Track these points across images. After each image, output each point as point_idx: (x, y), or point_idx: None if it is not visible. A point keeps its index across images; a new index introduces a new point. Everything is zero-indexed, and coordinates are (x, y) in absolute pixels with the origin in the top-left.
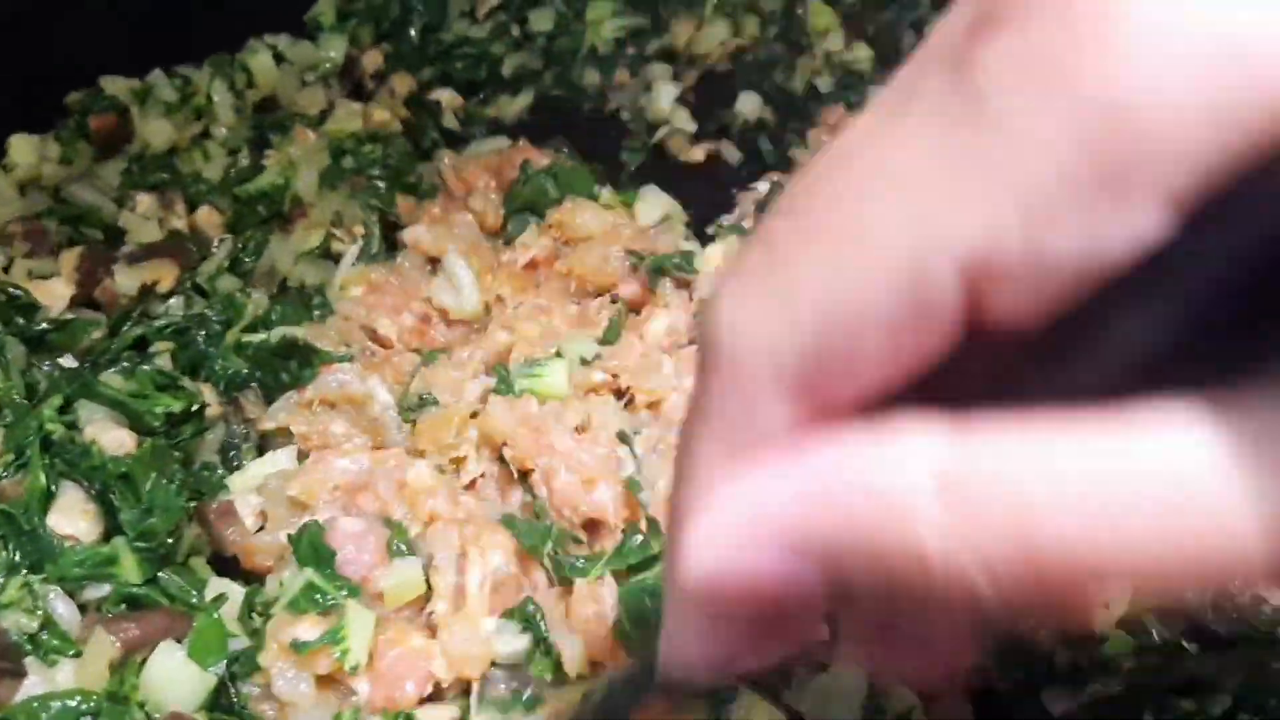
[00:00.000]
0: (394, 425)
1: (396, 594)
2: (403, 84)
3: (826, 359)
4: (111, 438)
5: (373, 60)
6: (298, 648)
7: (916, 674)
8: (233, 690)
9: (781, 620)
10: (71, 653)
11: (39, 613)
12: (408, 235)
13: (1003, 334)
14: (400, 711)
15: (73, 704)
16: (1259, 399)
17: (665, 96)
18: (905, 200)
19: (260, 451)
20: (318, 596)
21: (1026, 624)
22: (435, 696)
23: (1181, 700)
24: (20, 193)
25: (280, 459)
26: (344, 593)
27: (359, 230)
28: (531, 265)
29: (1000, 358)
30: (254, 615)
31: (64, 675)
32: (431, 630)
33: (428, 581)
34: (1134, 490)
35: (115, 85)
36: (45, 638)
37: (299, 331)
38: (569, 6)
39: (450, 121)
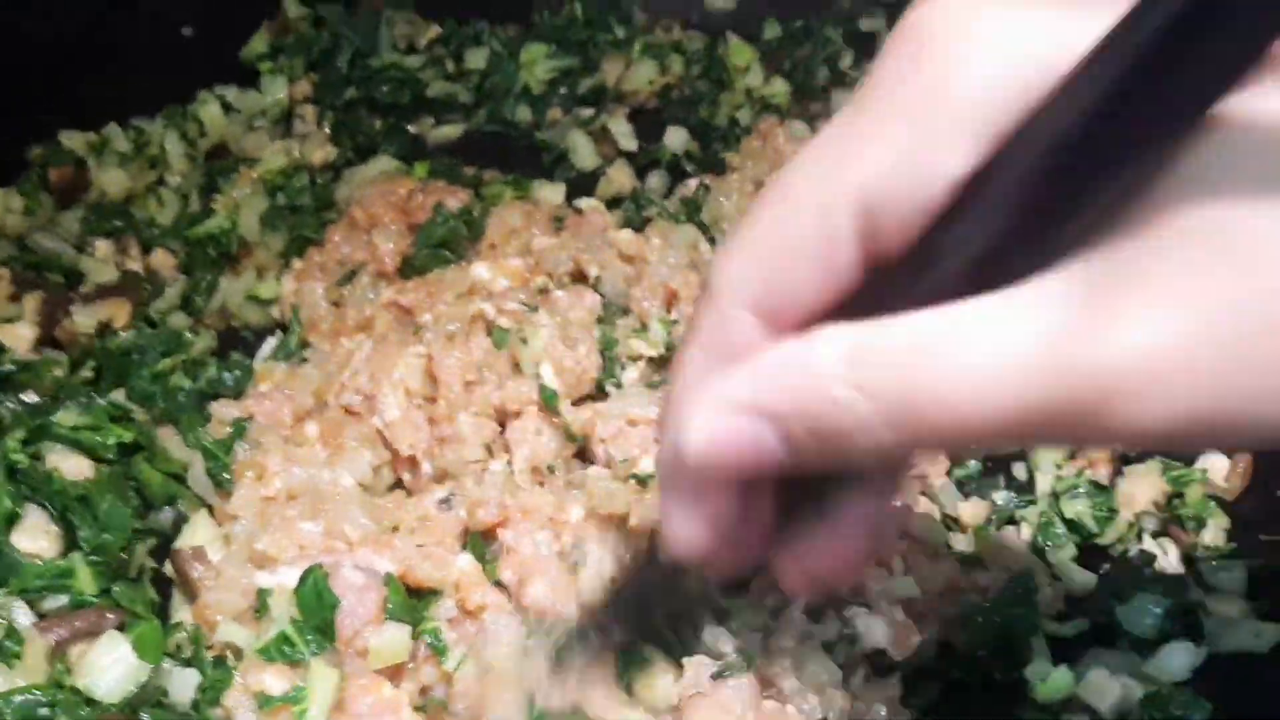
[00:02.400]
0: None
1: (380, 654)
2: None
3: (774, 286)
4: (71, 465)
5: (301, 90)
6: (262, 701)
7: (836, 567)
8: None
9: (751, 496)
10: None
11: (2, 622)
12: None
13: (885, 257)
14: None
15: (32, 697)
16: (1048, 286)
17: (584, 151)
18: (814, 165)
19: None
20: (287, 649)
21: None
22: None
23: None
24: None
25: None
26: (313, 649)
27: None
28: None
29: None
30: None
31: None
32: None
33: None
34: (960, 355)
35: (73, 139)
36: (6, 644)
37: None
38: (504, 47)
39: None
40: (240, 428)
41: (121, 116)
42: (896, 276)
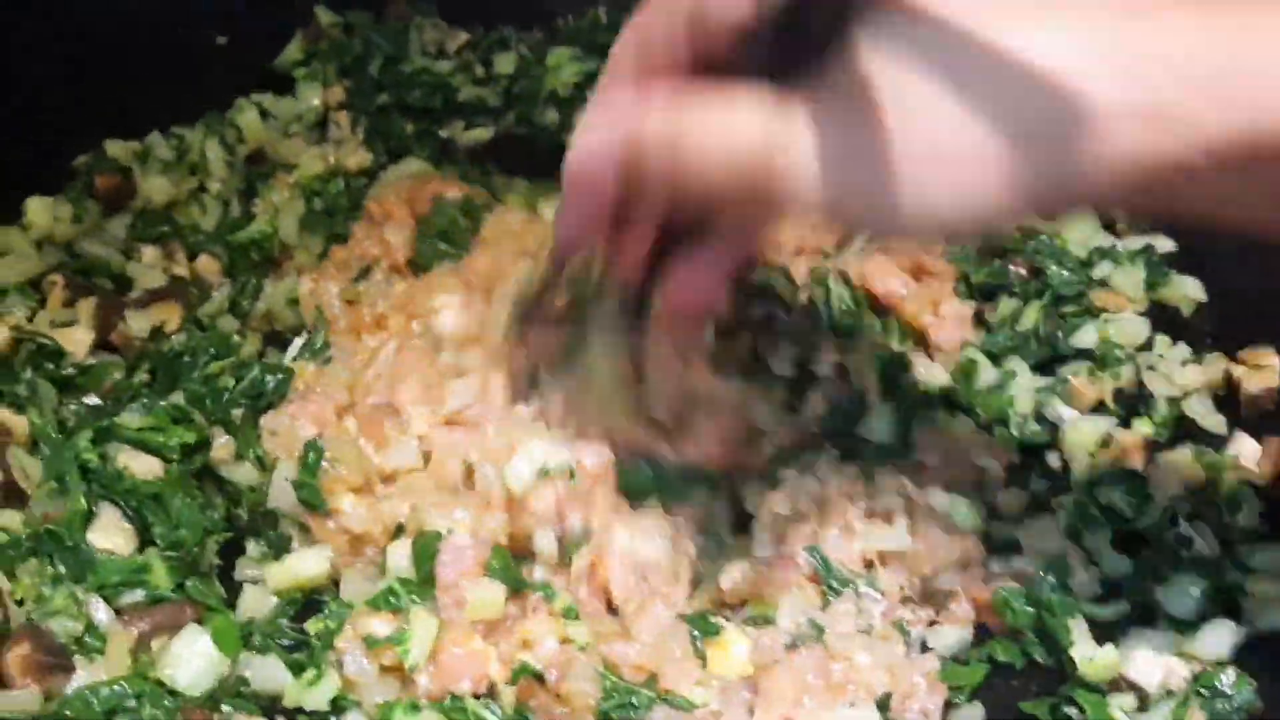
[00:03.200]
0: None
1: (476, 607)
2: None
3: (646, 54)
4: (141, 464)
5: (335, 96)
6: (369, 641)
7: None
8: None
9: (609, 204)
10: None
11: (82, 618)
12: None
13: (713, 50)
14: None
15: (118, 690)
16: (761, 96)
17: None
18: None
19: None
20: (392, 599)
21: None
22: (490, 695)
23: None
24: (37, 249)
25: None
26: (414, 599)
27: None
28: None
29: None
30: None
31: (104, 670)
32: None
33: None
34: (705, 130)
35: (118, 148)
36: (88, 639)
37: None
38: (531, 51)
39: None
40: (317, 449)
41: (162, 125)
42: (717, 68)
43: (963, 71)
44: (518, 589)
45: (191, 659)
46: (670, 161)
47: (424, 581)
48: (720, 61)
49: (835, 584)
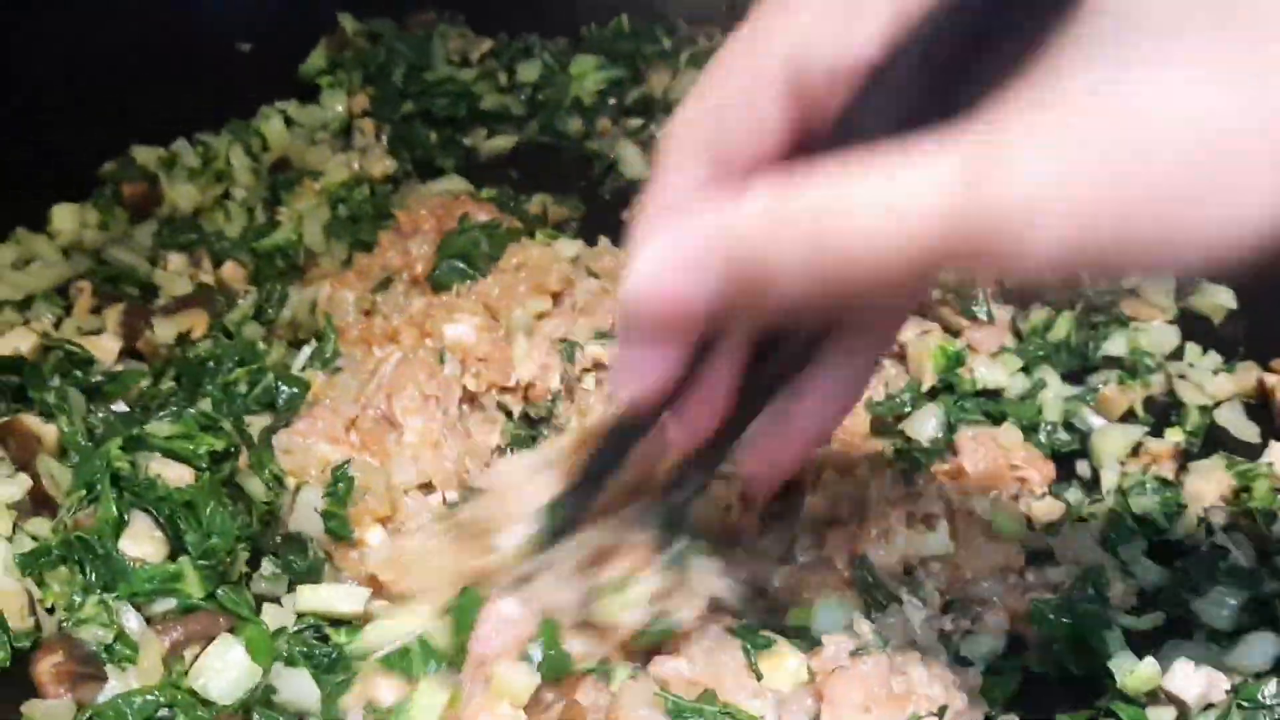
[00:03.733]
0: None
1: (501, 688)
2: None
3: (715, 138)
4: (172, 472)
5: (359, 104)
6: (370, 709)
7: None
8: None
9: (695, 338)
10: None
11: (113, 626)
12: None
13: (816, 119)
14: None
15: (152, 699)
16: (948, 138)
17: (634, 160)
18: (751, 33)
19: None
20: (404, 662)
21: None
22: None
23: None
24: (64, 256)
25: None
26: (431, 666)
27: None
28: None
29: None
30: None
31: (136, 678)
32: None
33: None
34: (866, 202)
35: (144, 154)
36: (118, 647)
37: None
38: (555, 60)
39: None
40: (347, 479)
41: (187, 132)
42: (828, 141)
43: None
44: (562, 674)
45: (225, 669)
46: (801, 256)
47: (455, 647)
48: (828, 127)
49: (880, 596)
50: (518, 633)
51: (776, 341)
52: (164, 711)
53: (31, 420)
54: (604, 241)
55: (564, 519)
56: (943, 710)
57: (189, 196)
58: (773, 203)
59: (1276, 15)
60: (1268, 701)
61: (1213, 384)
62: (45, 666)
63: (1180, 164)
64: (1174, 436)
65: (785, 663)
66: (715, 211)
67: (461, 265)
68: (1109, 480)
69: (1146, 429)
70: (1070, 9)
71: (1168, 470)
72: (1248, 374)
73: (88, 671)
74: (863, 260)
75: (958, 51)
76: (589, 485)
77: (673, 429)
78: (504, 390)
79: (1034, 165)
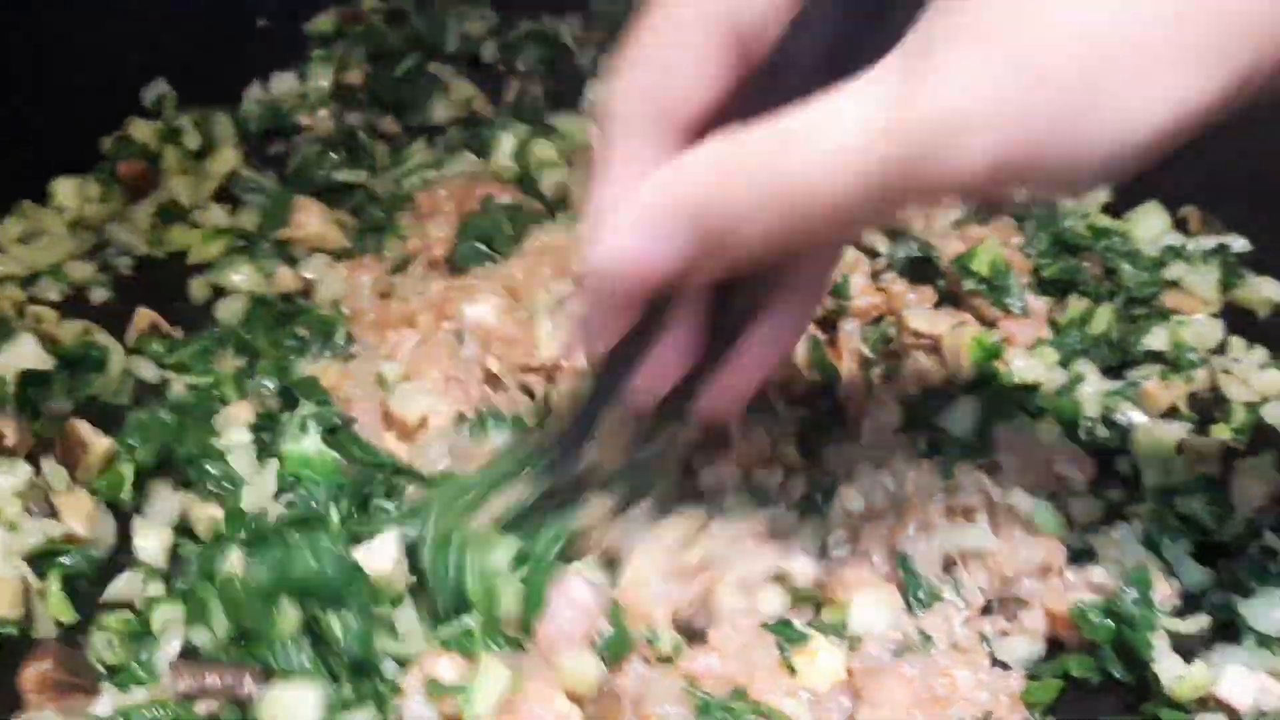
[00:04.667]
0: None
1: (569, 678)
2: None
3: (659, 95)
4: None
5: (352, 78)
6: (431, 686)
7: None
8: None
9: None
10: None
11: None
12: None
13: (752, 63)
14: None
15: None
16: (878, 67)
17: None
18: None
19: None
20: (466, 640)
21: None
22: None
23: None
24: (70, 231)
25: None
26: (492, 644)
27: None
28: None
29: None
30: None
31: (136, 696)
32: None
33: None
34: (814, 139)
35: (142, 130)
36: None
37: None
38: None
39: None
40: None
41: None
42: (765, 82)
43: None
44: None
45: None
46: (760, 198)
47: (522, 626)
48: (762, 71)
49: (922, 595)
50: (589, 616)
51: (729, 292)
52: None
53: (85, 429)
54: None
55: (555, 476)
56: (987, 716)
57: (187, 188)
58: (724, 150)
59: None
60: None
61: (1259, 379)
62: (31, 674)
63: (1078, 70)
64: (1219, 434)
65: (821, 660)
66: (671, 169)
67: (483, 247)
68: (1151, 479)
69: (1190, 426)
70: None
71: (1214, 469)
72: None
73: (77, 683)
74: (818, 191)
75: None
76: (574, 441)
77: (641, 378)
78: (527, 370)
79: (956, 80)
